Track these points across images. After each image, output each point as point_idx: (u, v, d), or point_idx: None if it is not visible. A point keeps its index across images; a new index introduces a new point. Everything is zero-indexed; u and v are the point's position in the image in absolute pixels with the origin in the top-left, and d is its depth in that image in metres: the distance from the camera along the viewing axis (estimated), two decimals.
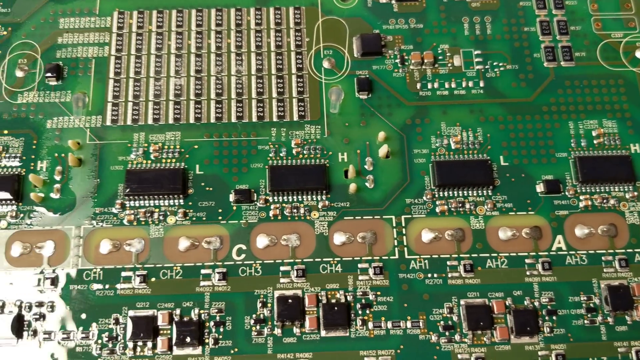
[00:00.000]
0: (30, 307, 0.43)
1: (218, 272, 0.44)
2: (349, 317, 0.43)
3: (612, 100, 0.48)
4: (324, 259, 0.44)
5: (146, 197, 0.45)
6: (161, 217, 0.45)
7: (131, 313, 0.43)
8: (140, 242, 0.44)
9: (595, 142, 0.47)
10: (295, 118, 0.48)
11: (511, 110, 0.48)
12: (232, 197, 0.46)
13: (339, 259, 0.44)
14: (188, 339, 0.42)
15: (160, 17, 0.50)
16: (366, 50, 0.49)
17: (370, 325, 0.43)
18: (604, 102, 0.48)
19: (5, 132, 0.47)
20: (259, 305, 0.43)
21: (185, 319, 0.43)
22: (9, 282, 0.44)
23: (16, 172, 0.46)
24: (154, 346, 0.42)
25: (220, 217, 0.45)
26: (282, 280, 0.44)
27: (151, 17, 0.50)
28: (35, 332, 0.43)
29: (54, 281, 0.44)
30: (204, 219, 0.45)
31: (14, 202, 0.45)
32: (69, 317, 0.43)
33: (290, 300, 0.43)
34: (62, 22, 0.50)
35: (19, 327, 0.43)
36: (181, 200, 0.45)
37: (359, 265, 0.44)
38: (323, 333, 0.43)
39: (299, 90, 0.48)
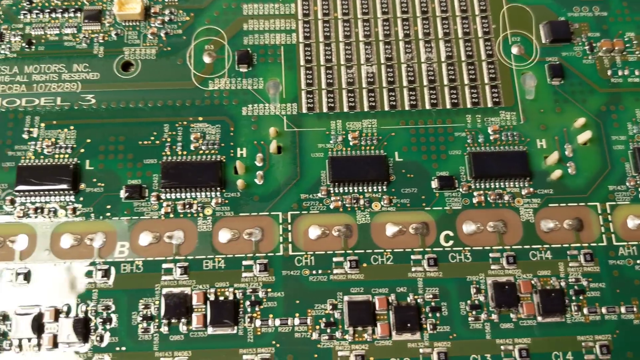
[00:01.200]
0: (244, 294, 0.43)
1: (428, 258, 0.44)
2: (564, 303, 0.43)
3: None
4: (533, 246, 0.44)
5: (351, 183, 0.45)
6: (366, 204, 0.45)
7: (346, 298, 0.43)
8: (348, 227, 0.44)
9: None
10: (490, 105, 0.48)
11: None
12: (434, 184, 0.46)
13: (547, 245, 0.44)
14: (409, 324, 0.42)
15: (346, 4, 0.50)
16: (556, 37, 0.49)
17: (585, 310, 0.43)
18: None
19: (200, 118, 0.47)
20: (472, 291, 0.43)
21: (402, 304, 0.43)
22: (220, 268, 0.44)
23: (217, 160, 0.46)
24: (373, 331, 0.42)
25: (424, 204, 0.45)
26: (492, 267, 0.44)
27: (336, 4, 0.50)
28: (251, 319, 0.43)
29: (266, 267, 0.44)
30: (408, 205, 0.45)
31: (218, 189, 0.45)
32: (283, 303, 0.43)
33: (506, 287, 0.43)
34: (245, 8, 0.50)
35: (235, 314, 0.43)
36: (384, 187, 0.45)
37: (568, 252, 0.44)
38: (539, 319, 0.43)
39: (491, 76, 0.48)
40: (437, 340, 0.42)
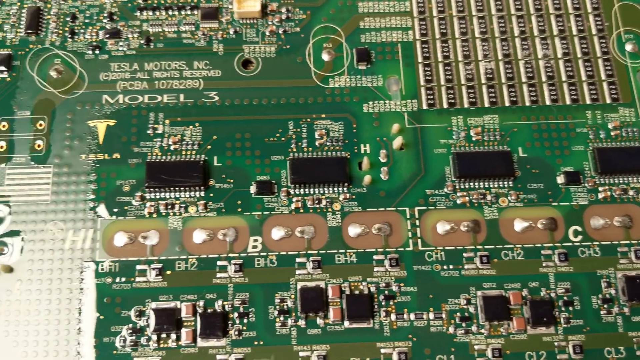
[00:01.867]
0: (377, 288, 0.44)
1: (559, 253, 0.44)
2: None
3: None
4: None
5: (476, 179, 0.46)
6: (493, 199, 0.46)
7: (480, 293, 0.44)
8: (476, 223, 0.45)
9: None
10: (608, 101, 0.48)
11: None
12: (559, 179, 0.46)
13: None
14: (545, 318, 0.43)
15: (460, 2, 0.51)
16: None
17: None
18: None
19: (323, 115, 0.48)
20: (603, 285, 0.44)
21: (536, 298, 0.43)
22: (351, 262, 0.44)
23: (344, 156, 0.46)
24: (509, 325, 0.43)
25: (550, 199, 0.46)
26: (621, 261, 0.44)
27: (450, 2, 0.51)
28: (387, 313, 0.43)
29: (397, 262, 0.44)
30: (535, 200, 0.46)
31: (345, 184, 0.46)
32: (417, 297, 0.43)
33: (637, 280, 0.44)
34: (361, 6, 0.51)
35: (370, 307, 0.43)
36: (510, 182, 0.46)
37: None
38: None
39: (608, 73, 0.49)
40: (572, 333, 0.43)
